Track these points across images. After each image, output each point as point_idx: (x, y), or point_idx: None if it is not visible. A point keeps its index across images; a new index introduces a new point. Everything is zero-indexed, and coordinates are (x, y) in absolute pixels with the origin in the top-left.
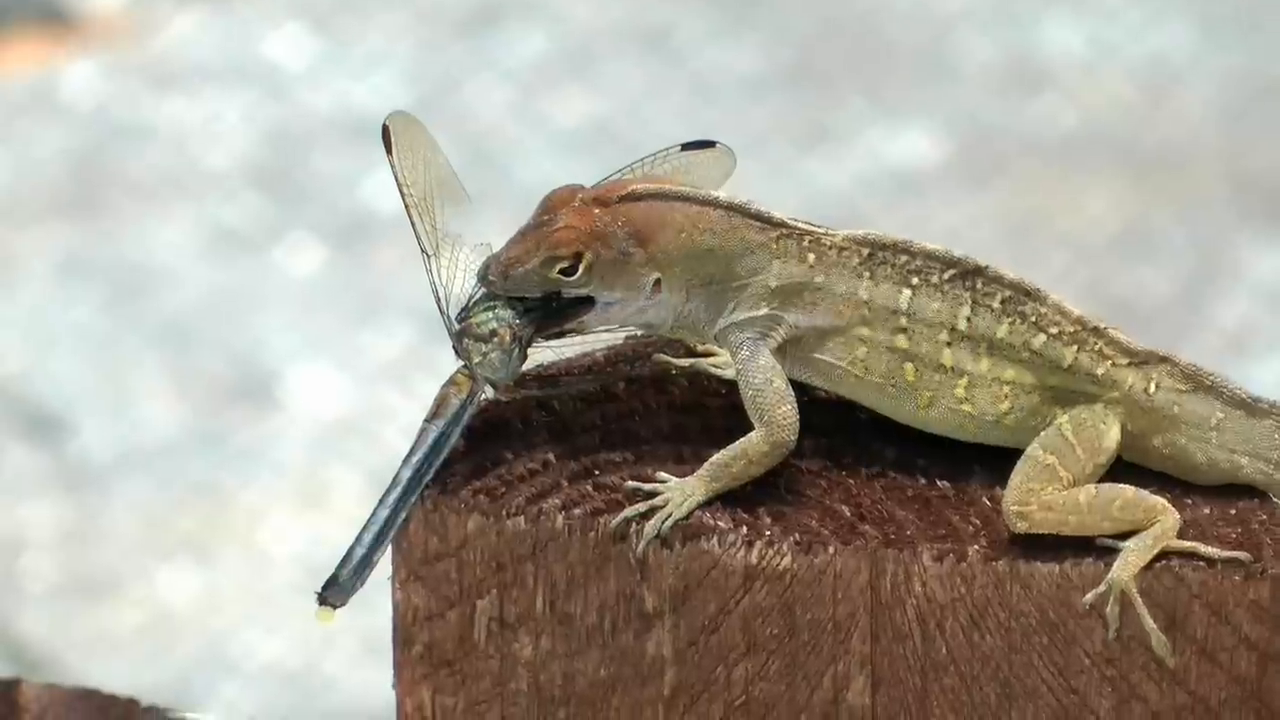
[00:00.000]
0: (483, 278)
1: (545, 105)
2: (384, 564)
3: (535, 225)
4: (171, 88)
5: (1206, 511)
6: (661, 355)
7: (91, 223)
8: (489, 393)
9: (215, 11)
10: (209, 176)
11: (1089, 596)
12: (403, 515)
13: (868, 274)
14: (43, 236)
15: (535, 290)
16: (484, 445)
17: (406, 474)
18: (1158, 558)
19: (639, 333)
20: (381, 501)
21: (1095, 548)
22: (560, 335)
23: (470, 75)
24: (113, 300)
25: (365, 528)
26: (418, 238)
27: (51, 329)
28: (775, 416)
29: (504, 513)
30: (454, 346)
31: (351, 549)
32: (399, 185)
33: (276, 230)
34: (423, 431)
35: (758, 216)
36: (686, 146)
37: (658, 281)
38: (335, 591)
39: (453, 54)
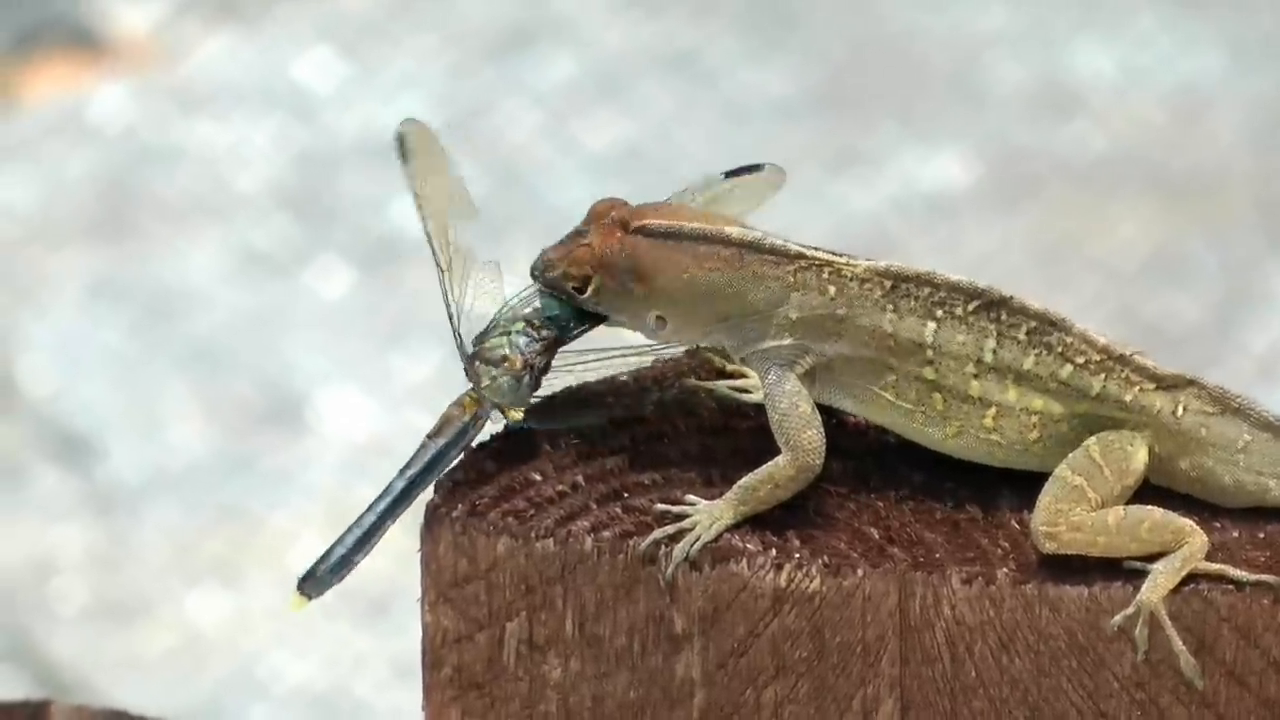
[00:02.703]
0: (532, 269)
1: (575, 128)
2: (414, 587)
3: (574, 233)
4: (200, 111)
5: (1235, 535)
6: (690, 380)
7: (121, 246)
8: (495, 417)
9: (244, 35)
10: (238, 199)
11: (1117, 618)
12: (389, 524)
13: (891, 307)
14: (72, 259)
15: (563, 295)
16: (513, 467)
17: (400, 485)
18: (1186, 580)
19: (667, 354)
20: (370, 508)
21: (1124, 571)
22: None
23: (500, 98)
24: (142, 323)
25: (350, 530)
26: (432, 250)
27: (81, 352)
28: (801, 441)
29: (533, 535)
30: (465, 368)
31: (333, 548)
32: (414, 195)
33: (305, 253)
34: (423, 447)
35: (772, 251)
36: (730, 174)
37: (660, 317)
38: (311, 584)
39: (482, 77)
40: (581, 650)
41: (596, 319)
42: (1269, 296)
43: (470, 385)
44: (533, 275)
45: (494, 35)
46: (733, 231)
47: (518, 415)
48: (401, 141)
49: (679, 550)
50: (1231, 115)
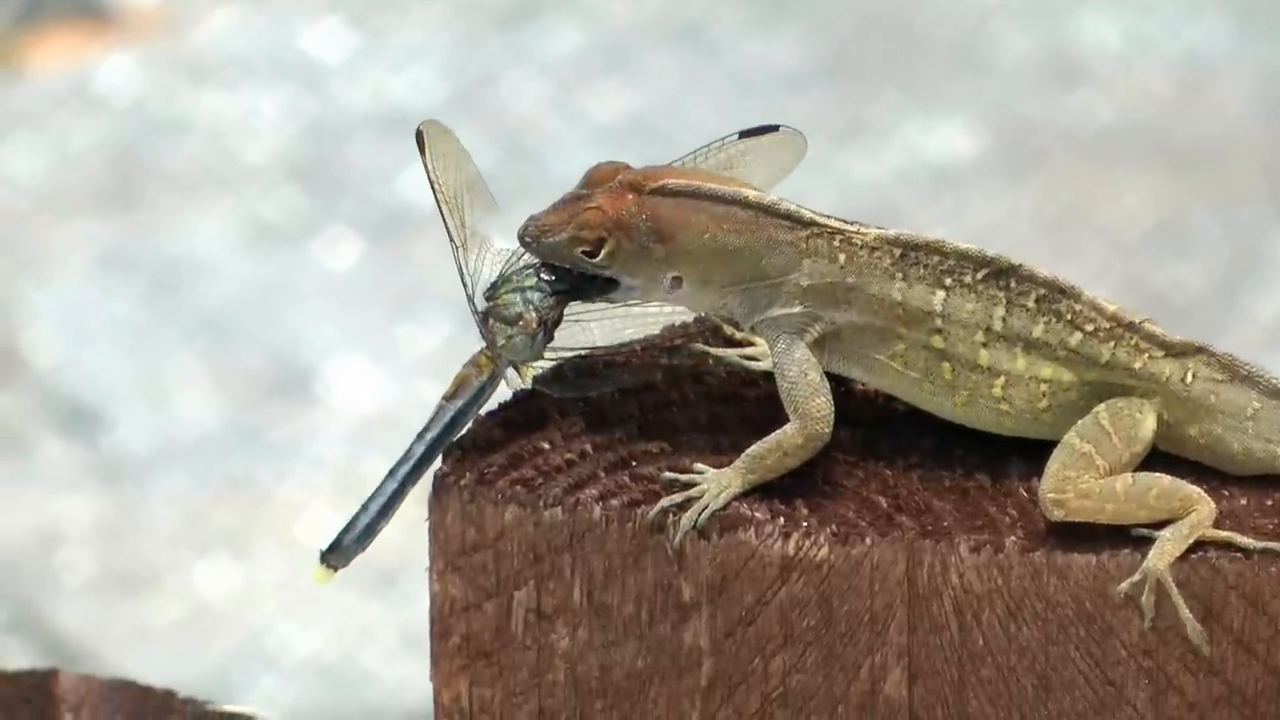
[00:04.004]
0: (520, 236)
1: (582, 99)
2: (422, 556)
3: (573, 197)
4: (209, 81)
5: (1243, 502)
6: (699, 345)
7: (129, 217)
8: (511, 375)
9: (252, 5)
10: (247, 170)
11: (1124, 585)
12: (410, 489)
13: (900, 275)
14: (81, 230)
15: (563, 261)
16: (521, 436)
17: (420, 449)
18: (1194, 547)
19: (676, 321)
20: (391, 474)
21: (1132, 539)
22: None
23: (507, 69)
24: (151, 294)
25: (373, 498)
26: (447, 229)
27: (89, 323)
28: (809, 409)
29: (541, 503)
30: (478, 327)
31: (356, 516)
32: (430, 180)
33: (314, 224)
34: (440, 409)
35: (786, 215)
36: (745, 134)
37: (677, 278)
38: (337, 555)
39: (490, 48)
40: (590, 619)
41: (602, 284)
42: (1275, 265)
43: (484, 344)
44: (522, 242)
45: (501, 6)
46: (749, 193)
47: (529, 377)
48: (420, 136)
49: (687, 518)
50: (1237, 84)
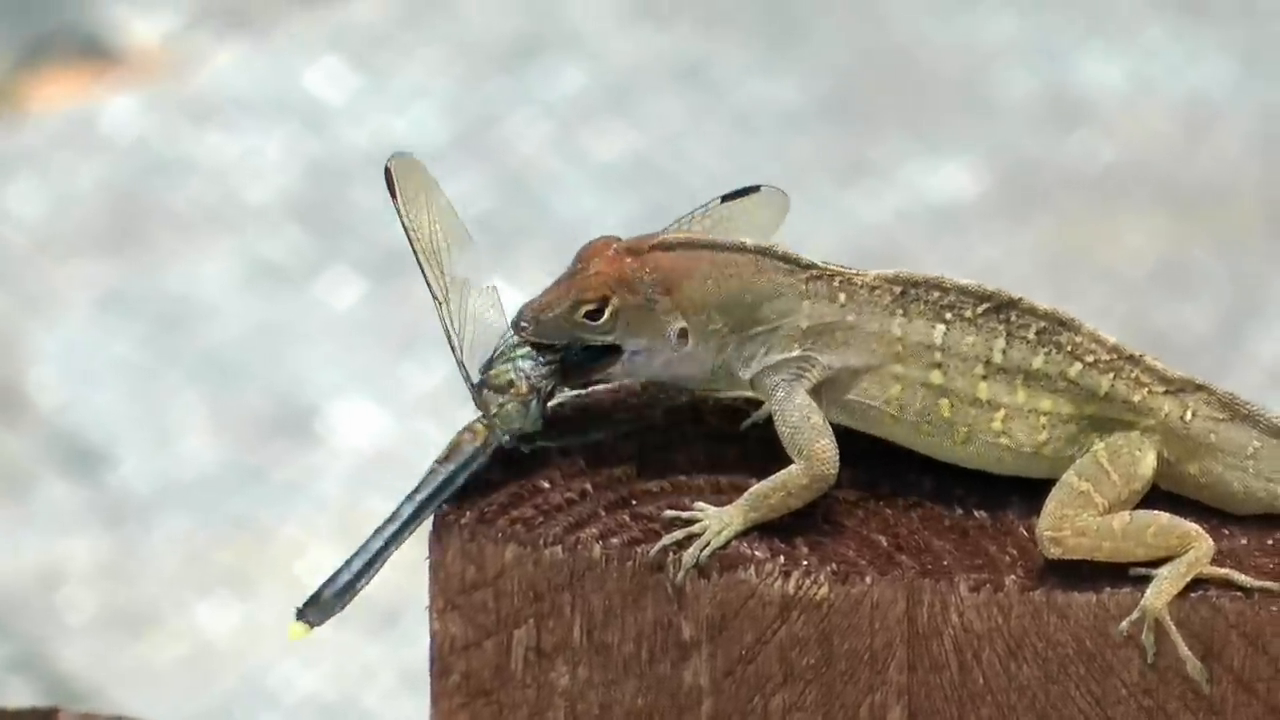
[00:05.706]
0: (516, 325)
1: (585, 140)
2: (422, 596)
3: (569, 274)
4: (211, 121)
5: (1244, 541)
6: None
7: (131, 257)
8: (506, 443)
9: (255, 45)
10: (249, 210)
11: (1123, 624)
12: (394, 549)
13: (900, 311)
14: (82, 270)
15: (564, 337)
16: (521, 474)
17: (407, 510)
18: (1194, 586)
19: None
20: (377, 532)
21: (1132, 579)
22: (586, 385)
23: (510, 109)
24: (153, 334)
25: (356, 555)
26: (428, 284)
27: (92, 363)
28: (815, 451)
29: (541, 542)
30: (473, 398)
31: (338, 573)
32: (405, 230)
33: (316, 264)
34: (431, 473)
35: (785, 259)
36: (727, 197)
37: (683, 331)
38: (314, 611)
39: (492, 88)
40: (589, 657)
41: (603, 354)
42: (1278, 306)
43: (480, 414)
44: (518, 329)
45: (504, 46)
46: (747, 240)
47: (529, 438)
48: (389, 176)
49: (688, 556)
50: (1240, 125)
